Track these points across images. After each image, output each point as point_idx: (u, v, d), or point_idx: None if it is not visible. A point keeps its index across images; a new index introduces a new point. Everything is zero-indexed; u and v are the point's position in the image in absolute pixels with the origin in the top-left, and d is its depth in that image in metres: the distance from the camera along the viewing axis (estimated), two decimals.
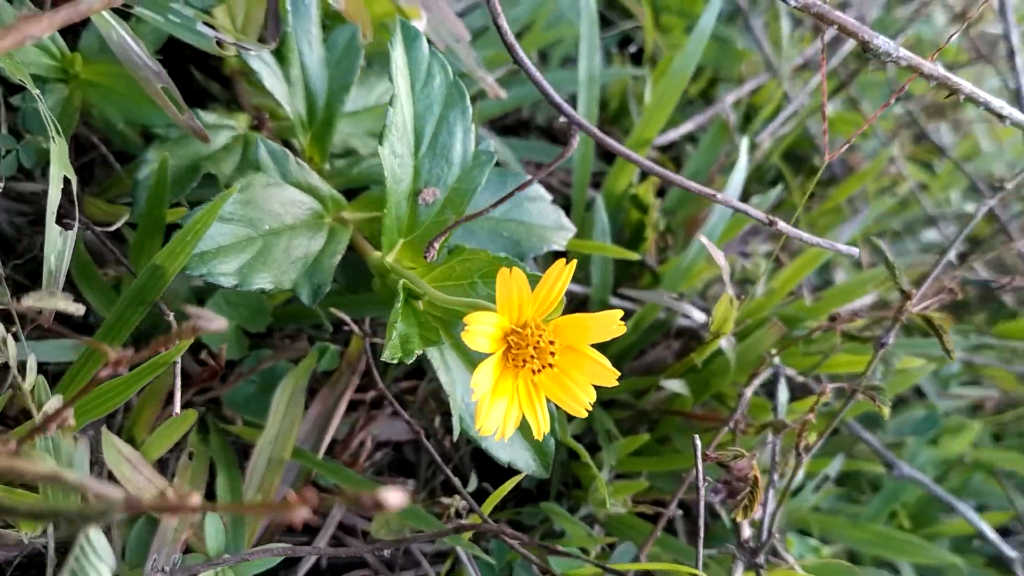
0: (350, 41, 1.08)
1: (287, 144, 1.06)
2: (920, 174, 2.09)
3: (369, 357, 1.12)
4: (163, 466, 1.04)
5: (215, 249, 0.86)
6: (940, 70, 0.87)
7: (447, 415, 1.23)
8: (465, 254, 0.92)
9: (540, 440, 0.88)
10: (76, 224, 0.81)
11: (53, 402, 0.71)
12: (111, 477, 0.89)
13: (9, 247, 1.04)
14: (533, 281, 0.77)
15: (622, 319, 0.79)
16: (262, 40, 1.07)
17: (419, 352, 0.87)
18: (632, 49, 1.77)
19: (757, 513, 1.03)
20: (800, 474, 1.09)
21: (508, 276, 0.73)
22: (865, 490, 1.60)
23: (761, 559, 1.04)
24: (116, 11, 0.89)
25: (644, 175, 1.46)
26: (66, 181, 0.82)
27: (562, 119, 0.88)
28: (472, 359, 0.96)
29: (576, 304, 1.36)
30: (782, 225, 0.87)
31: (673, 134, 1.61)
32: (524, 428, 0.84)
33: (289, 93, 1.03)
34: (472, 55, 1.21)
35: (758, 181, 1.79)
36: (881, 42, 0.86)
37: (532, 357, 0.77)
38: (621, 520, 1.21)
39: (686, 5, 1.76)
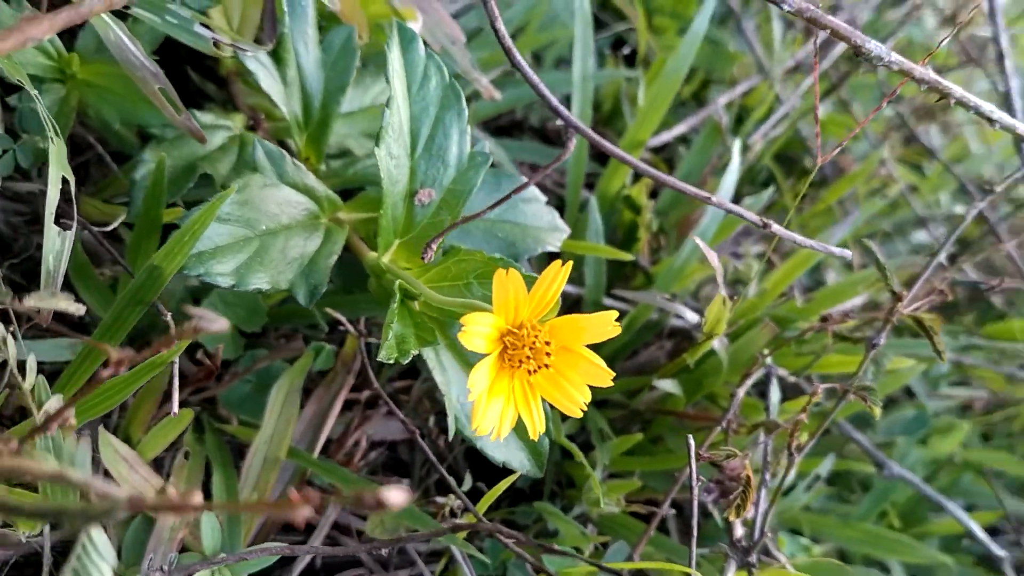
0: (346, 42, 1.08)
1: (283, 144, 1.07)
2: (910, 176, 2.11)
3: (364, 357, 1.12)
4: (159, 465, 1.04)
5: (212, 249, 0.87)
6: (931, 74, 0.88)
7: (441, 415, 1.24)
8: (461, 255, 0.93)
9: (535, 440, 0.88)
10: (75, 224, 0.82)
11: (53, 401, 0.71)
12: (107, 476, 0.89)
13: (5, 247, 1.04)
14: (529, 282, 0.78)
15: (615, 320, 0.80)
16: (258, 41, 1.07)
17: (415, 352, 0.87)
18: (625, 51, 1.78)
19: (749, 512, 1.04)
20: (792, 474, 1.10)
21: (504, 277, 0.74)
22: (855, 489, 1.61)
23: (753, 558, 1.05)
24: (113, 12, 0.90)
25: (637, 176, 1.47)
26: (64, 181, 0.82)
27: (557, 121, 0.89)
28: (467, 359, 0.96)
29: (570, 304, 1.36)
30: (776, 228, 0.88)
31: (666, 135, 1.62)
32: (518, 428, 0.85)
33: (285, 94, 1.03)
34: (467, 56, 1.21)
35: (750, 182, 1.80)
36: (873, 46, 0.87)
37: (528, 358, 0.77)
38: (614, 519, 1.21)
39: (679, 7, 1.77)
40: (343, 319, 1.07)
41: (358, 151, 1.17)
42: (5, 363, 0.75)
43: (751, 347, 1.28)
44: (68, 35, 1.00)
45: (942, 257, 1.12)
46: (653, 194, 1.50)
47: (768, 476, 1.12)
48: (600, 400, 1.34)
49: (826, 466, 1.41)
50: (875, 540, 1.39)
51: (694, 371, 1.28)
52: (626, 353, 1.39)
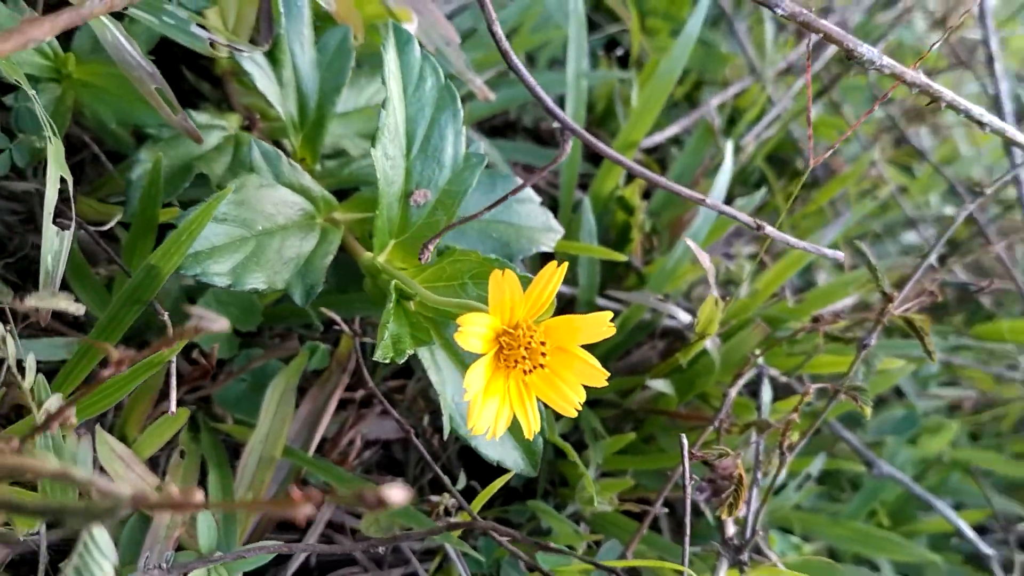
0: (341, 43, 1.08)
1: (278, 145, 1.07)
2: (900, 177, 2.12)
3: (359, 356, 1.13)
4: (154, 464, 1.04)
5: (209, 249, 0.87)
6: (922, 78, 0.89)
7: (435, 414, 1.25)
8: (456, 255, 0.93)
9: (529, 439, 0.89)
10: (73, 225, 0.82)
11: (53, 400, 0.72)
12: (103, 474, 0.89)
13: (1, 246, 1.04)
14: (524, 283, 0.78)
15: (609, 320, 0.80)
16: (253, 41, 1.07)
17: (411, 352, 0.88)
18: (619, 52, 1.78)
19: (741, 511, 1.05)
20: (783, 473, 1.11)
21: (501, 278, 0.74)
22: (845, 488, 1.62)
23: (745, 556, 1.06)
24: (111, 12, 0.90)
25: (630, 177, 1.48)
26: (61, 181, 0.82)
27: (552, 122, 0.90)
28: (462, 359, 0.97)
29: (563, 304, 1.37)
30: (769, 230, 0.88)
31: (659, 137, 1.63)
32: (513, 427, 0.86)
33: (281, 95, 1.04)
34: (462, 57, 1.22)
35: (742, 183, 1.81)
36: (865, 50, 0.88)
37: (524, 358, 0.78)
38: (607, 518, 1.22)
39: (672, 9, 1.78)
40: (338, 319, 1.07)
41: (353, 151, 1.17)
42: (1, 361, 0.75)
43: (743, 347, 1.29)
44: (64, 35, 0.99)
45: (932, 259, 1.13)
46: (646, 195, 1.51)
47: (760, 475, 1.13)
48: (593, 399, 1.35)
49: (817, 465, 1.42)
50: (865, 538, 1.40)
51: (686, 371, 1.29)
52: (619, 353, 1.40)
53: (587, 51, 1.40)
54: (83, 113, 1.04)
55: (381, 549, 0.93)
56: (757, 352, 1.20)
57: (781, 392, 1.37)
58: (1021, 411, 1.86)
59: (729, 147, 1.44)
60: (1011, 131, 0.97)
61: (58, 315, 1.00)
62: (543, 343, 0.79)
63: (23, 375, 0.71)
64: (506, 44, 0.84)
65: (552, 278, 0.77)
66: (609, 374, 0.82)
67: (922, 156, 2.03)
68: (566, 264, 0.77)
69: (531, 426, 0.81)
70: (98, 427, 0.88)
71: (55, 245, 0.79)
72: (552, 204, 1.37)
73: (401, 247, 0.98)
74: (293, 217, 0.96)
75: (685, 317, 1.30)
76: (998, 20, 2.11)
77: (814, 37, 0.90)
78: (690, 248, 1.15)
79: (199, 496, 0.47)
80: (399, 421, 1.06)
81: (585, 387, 0.82)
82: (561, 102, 1.42)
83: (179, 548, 0.93)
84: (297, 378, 1.08)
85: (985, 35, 1.63)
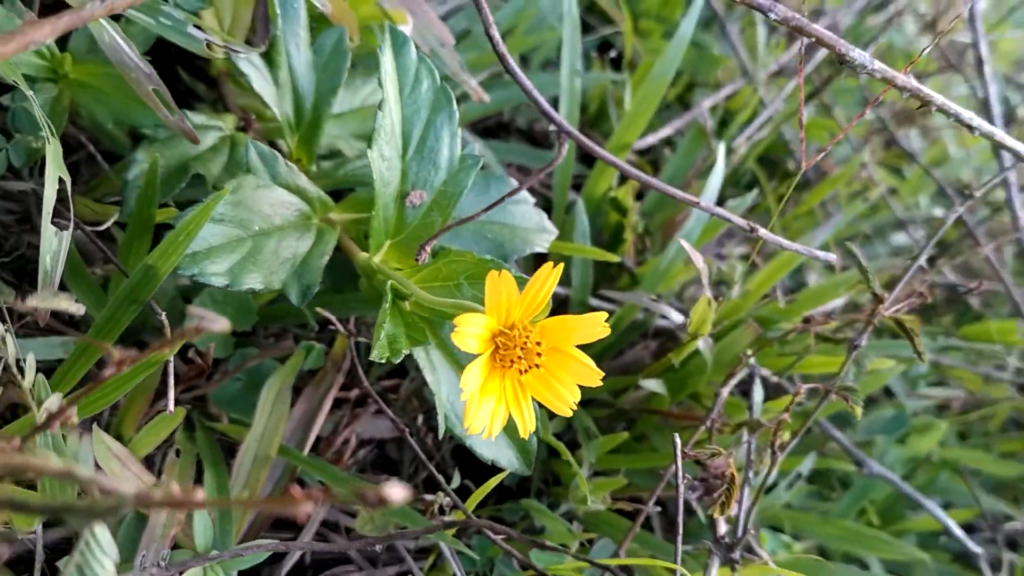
0: (337, 44, 1.09)
1: (273, 145, 1.08)
2: (890, 179, 2.14)
3: (354, 356, 1.13)
4: (149, 463, 1.05)
5: (206, 250, 0.88)
6: (913, 82, 0.91)
7: (429, 413, 1.25)
8: (451, 256, 0.94)
9: (524, 438, 0.90)
10: (71, 225, 0.82)
11: (53, 400, 0.72)
12: (99, 472, 0.90)
13: None
14: (519, 283, 0.79)
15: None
16: (248, 42, 1.08)
17: (406, 352, 0.89)
18: (612, 54, 1.79)
19: (733, 510, 1.06)
20: (774, 472, 1.12)
21: (497, 279, 0.75)
22: (835, 487, 1.63)
23: (737, 555, 1.07)
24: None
25: (623, 178, 1.49)
26: (59, 182, 0.82)
27: (545, 123, 0.91)
28: (457, 359, 0.98)
29: (557, 305, 1.38)
30: (763, 232, 0.89)
31: (652, 138, 1.63)
32: (507, 426, 0.86)
33: (277, 96, 1.04)
34: (456, 59, 1.23)
35: (733, 185, 1.82)
36: (857, 55, 0.89)
37: (519, 358, 0.79)
38: (599, 516, 1.23)
39: (664, 11, 1.79)
40: (333, 318, 1.08)
41: (348, 152, 1.18)
42: None
43: (735, 347, 1.30)
44: (60, 35, 1.00)
45: (922, 260, 1.14)
46: (639, 196, 1.52)
47: (751, 474, 1.14)
48: (586, 399, 1.35)
49: (807, 464, 1.43)
50: (854, 537, 1.41)
51: (679, 371, 1.30)
52: (612, 353, 1.41)
53: (581, 53, 1.41)
54: (79, 113, 1.05)
55: (380, 547, 0.93)
56: (749, 352, 1.21)
57: (772, 392, 1.38)
58: (1009, 411, 1.88)
59: (721, 149, 1.45)
60: (1000, 135, 0.99)
61: (55, 314, 1.01)
62: (539, 343, 0.80)
63: (20, 374, 0.72)
64: (503, 48, 0.85)
65: (548, 279, 0.77)
66: (603, 374, 0.83)
67: (912, 158, 2.04)
68: (561, 265, 0.78)
69: (527, 425, 0.82)
70: (95, 426, 0.88)
71: (54, 245, 0.80)
72: (546, 205, 1.37)
73: (397, 247, 0.98)
74: (289, 218, 0.97)
75: (678, 317, 1.31)
76: (987, 23, 2.14)
77: (806, 41, 0.91)
78: (682, 249, 1.16)
79: (199, 494, 0.48)
80: (394, 420, 1.07)
81: (579, 387, 0.83)
82: (555, 103, 1.43)
83: (175, 547, 0.94)
84: (293, 377, 1.09)
85: (975, 38, 1.65)
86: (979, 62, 1.63)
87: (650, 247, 1.53)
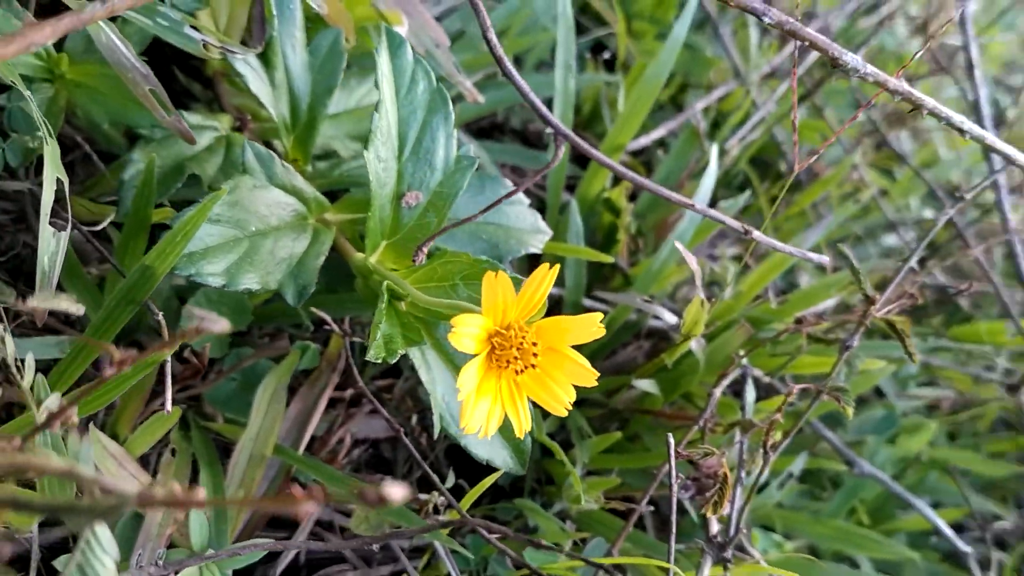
0: (333, 45, 1.09)
1: (268, 145, 1.08)
2: (881, 180, 2.15)
3: (348, 356, 1.14)
4: (144, 463, 1.05)
5: (203, 250, 0.88)
6: (905, 86, 0.92)
7: (423, 413, 1.26)
8: (447, 256, 0.95)
9: (519, 438, 0.90)
10: (69, 226, 0.83)
11: (52, 399, 0.72)
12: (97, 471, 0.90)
13: None
14: (515, 284, 0.80)
15: None
16: (244, 43, 1.08)
17: (402, 352, 0.89)
18: (605, 55, 1.80)
19: (725, 509, 1.06)
20: (766, 472, 1.13)
21: (494, 280, 0.76)
22: (826, 487, 1.64)
23: (729, 554, 1.08)
24: None
25: (617, 179, 1.50)
26: (57, 182, 0.83)
27: (539, 124, 0.91)
28: (452, 359, 0.98)
29: (550, 305, 1.38)
30: (757, 234, 0.90)
31: (645, 139, 1.64)
32: (502, 426, 0.87)
33: (274, 96, 1.04)
34: (451, 60, 1.23)
35: (726, 186, 1.83)
36: (849, 59, 0.90)
37: (516, 358, 0.80)
38: (593, 516, 1.24)
39: (658, 12, 1.80)
40: (328, 319, 1.08)
41: (343, 152, 1.18)
42: None
43: (727, 348, 1.31)
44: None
45: (913, 262, 1.15)
46: (632, 197, 1.52)
47: (743, 474, 1.15)
48: (580, 399, 1.35)
49: (799, 464, 1.44)
50: (845, 536, 1.42)
51: (671, 371, 1.30)
52: (605, 353, 1.42)
53: (575, 54, 1.41)
54: (75, 113, 1.05)
55: (376, 547, 0.94)
56: (741, 353, 1.22)
57: (764, 392, 1.39)
58: (998, 411, 1.90)
59: (715, 151, 1.46)
60: (991, 139, 1.00)
61: (51, 314, 1.01)
62: (535, 344, 0.80)
63: (24, 375, 0.72)
64: (501, 51, 0.85)
65: (544, 280, 0.78)
66: (599, 374, 0.84)
67: (902, 160, 2.06)
68: (558, 266, 0.79)
69: (522, 425, 0.82)
70: (91, 426, 0.88)
71: (52, 246, 0.80)
72: (540, 206, 1.38)
73: (392, 248, 0.99)
74: (286, 218, 0.97)
75: (671, 318, 1.32)
76: (978, 26, 2.15)
77: (799, 45, 0.92)
78: (675, 249, 1.17)
79: (202, 494, 0.48)
80: (388, 420, 1.07)
81: (574, 386, 0.84)
82: (548, 104, 1.43)
83: (171, 546, 0.94)
84: (288, 377, 1.09)
85: (965, 41, 1.66)
86: (970, 65, 1.65)
87: (643, 248, 1.54)
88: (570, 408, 0.83)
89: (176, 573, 0.89)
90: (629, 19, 1.78)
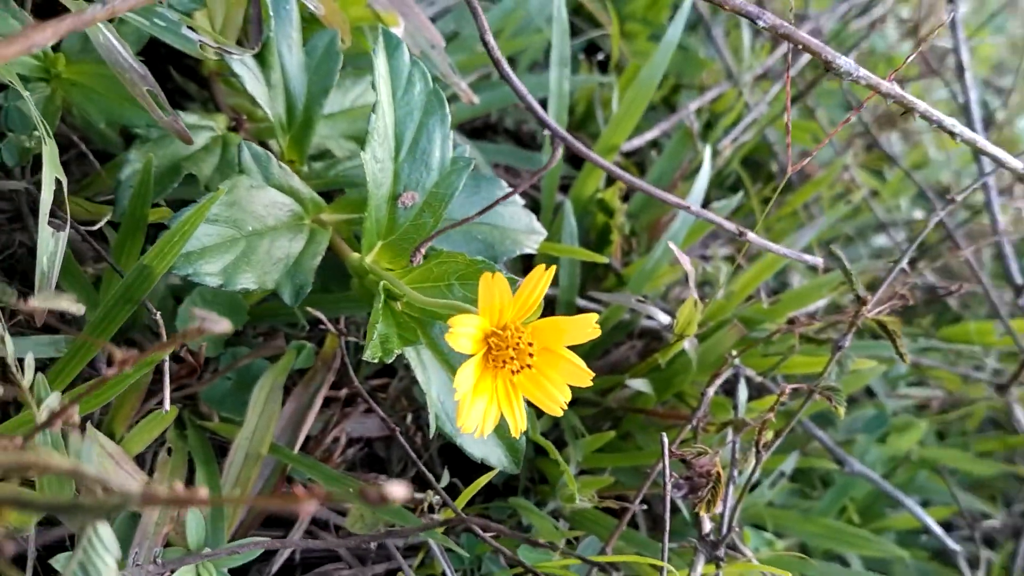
0: (329, 46, 1.10)
1: (264, 145, 1.08)
2: (872, 181, 2.17)
3: (344, 355, 1.14)
4: (140, 462, 1.05)
5: (200, 250, 0.88)
6: (897, 89, 0.93)
7: (418, 412, 1.26)
8: (442, 257, 0.95)
9: (514, 437, 0.91)
10: (67, 226, 0.83)
11: (52, 398, 0.73)
12: None
13: None
14: (511, 285, 0.80)
15: None
16: (240, 43, 1.08)
17: (398, 352, 0.90)
18: (599, 56, 1.81)
19: (718, 508, 1.07)
20: (757, 471, 1.13)
21: (491, 281, 0.76)
22: (817, 486, 1.66)
23: (721, 552, 1.09)
24: None
25: (610, 180, 1.50)
26: (55, 182, 0.83)
27: (534, 125, 0.92)
28: (448, 358, 0.99)
29: (544, 305, 1.39)
30: (751, 236, 0.91)
31: (638, 140, 1.65)
32: (496, 425, 0.88)
33: (270, 96, 1.05)
34: (446, 61, 1.24)
35: (718, 186, 1.84)
36: (843, 62, 0.91)
37: (512, 358, 0.80)
38: (586, 515, 1.24)
39: (650, 14, 1.81)
40: (324, 318, 1.09)
41: (338, 152, 1.19)
42: None
43: (720, 348, 1.32)
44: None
45: (904, 263, 1.17)
46: (625, 197, 1.53)
47: (736, 473, 1.16)
48: (573, 398, 1.36)
49: (790, 463, 1.45)
50: (835, 534, 1.43)
51: (664, 370, 1.31)
52: (598, 352, 1.42)
53: (569, 56, 1.42)
54: (71, 112, 1.05)
55: (372, 545, 0.94)
56: (734, 353, 1.23)
57: (756, 392, 1.40)
58: (986, 411, 1.91)
59: (708, 152, 1.47)
60: (981, 141, 1.01)
61: (48, 313, 1.01)
62: (530, 344, 0.81)
63: (24, 374, 0.72)
64: (498, 53, 0.86)
65: (540, 281, 0.79)
66: (594, 374, 0.85)
67: (893, 161, 2.07)
68: (554, 267, 0.80)
69: (518, 425, 0.83)
70: (89, 425, 0.89)
71: (50, 246, 0.80)
72: (533, 206, 1.39)
73: (388, 248, 0.99)
74: (282, 218, 0.98)
75: (664, 318, 1.33)
76: (968, 28, 2.17)
77: (792, 47, 0.92)
78: (668, 250, 1.17)
79: (204, 493, 0.49)
80: (383, 419, 1.08)
81: (569, 386, 0.85)
82: (543, 105, 1.44)
83: (167, 544, 0.94)
84: (284, 377, 1.10)
85: (956, 44, 1.67)
86: (960, 68, 1.66)
87: (636, 248, 1.55)
88: (565, 408, 0.84)
89: (172, 571, 0.89)
90: (622, 20, 1.79)
